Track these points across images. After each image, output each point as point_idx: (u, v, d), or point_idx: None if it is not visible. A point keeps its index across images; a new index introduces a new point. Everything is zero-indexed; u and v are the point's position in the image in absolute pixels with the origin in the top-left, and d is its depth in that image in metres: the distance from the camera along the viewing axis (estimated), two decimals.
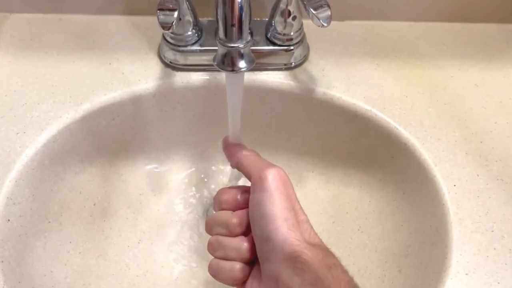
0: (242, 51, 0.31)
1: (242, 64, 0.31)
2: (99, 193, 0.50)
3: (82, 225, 0.48)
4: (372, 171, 0.50)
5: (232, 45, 0.30)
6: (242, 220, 0.34)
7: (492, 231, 0.40)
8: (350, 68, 0.50)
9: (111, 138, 0.50)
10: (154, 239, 0.50)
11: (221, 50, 0.31)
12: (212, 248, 0.35)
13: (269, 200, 0.31)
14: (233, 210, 0.35)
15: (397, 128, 0.46)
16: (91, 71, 0.48)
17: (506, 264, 0.38)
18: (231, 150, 0.39)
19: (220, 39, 0.31)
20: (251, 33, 0.48)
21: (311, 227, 0.32)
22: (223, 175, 0.55)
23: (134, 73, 0.48)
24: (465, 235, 0.40)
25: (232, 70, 0.31)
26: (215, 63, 0.32)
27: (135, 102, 0.48)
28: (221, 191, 0.36)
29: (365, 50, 0.51)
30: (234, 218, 0.34)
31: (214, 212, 0.37)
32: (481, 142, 0.45)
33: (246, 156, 0.35)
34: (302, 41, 0.49)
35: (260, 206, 0.31)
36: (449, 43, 0.52)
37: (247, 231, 0.34)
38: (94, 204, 0.49)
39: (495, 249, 0.39)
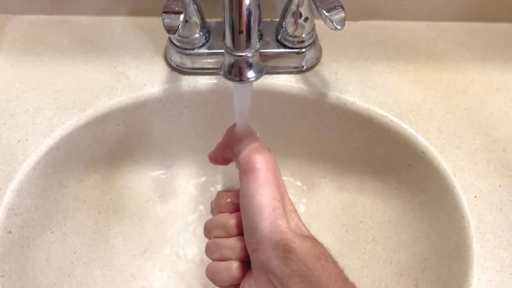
0: (250, 60, 0.29)
1: (250, 74, 0.29)
2: (104, 201, 0.49)
3: (87, 234, 0.46)
4: (387, 179, 0.48)
5: (240, 54, 0.28)
6: (240, 222, 0.33)
7: None
8: (365, 71, 0.48)
9: (116, 144, 0.48)
10: (161, 248, 0.49)
11: (228, 59, 0.29)
12: (209, 250, 0.35)
13: (257, 192, 0.31)
14: (231, 213, 0.35)
15: (414, 135, 0.44)
16: (95, 75, 0.47)
17: None
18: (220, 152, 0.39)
19: (227, 47, 0.29)
20: (261, 35, 0.46)
21: (299, 217, 0.32)
22: (231, 181, 0.53)
23: (139, 77, 0.47)
24: (487, 250, 0.38)
25: (240, 81, 0.29)
26: (222, 73, 0.30)
27: (141, 107, 0.46)
28: (219, 195, 0.36)
29: (380, 52, 0.49)
30: (232, 220, 0.34)
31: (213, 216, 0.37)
32: (503, 150, 0.43)
33: (237, 139, 0.35)
34: (314, 43, 0.46)
35: (248, 198, 0.31)
36: (469, 44, 0.50)
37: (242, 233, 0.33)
38: (99, 213, 0.48)
39: None
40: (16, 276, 0.39)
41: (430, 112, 0.45)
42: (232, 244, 0.33)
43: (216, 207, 0.36)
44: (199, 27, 0.45)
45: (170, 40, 0.46)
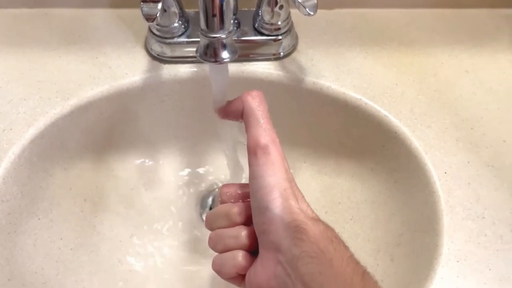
0: (224, 41, 0.30)
1: (225, 54, 0.31)
2: (89, 189, 0.50)
3: (73, 221, 0.48)
4: (363, 160, 0.49)
5: (214, 35, 0.30)
6: (242, 210, 0.33)
7: (483, 217, 0.40)
8: (340, 57, 0.49)
9: (100, 133, 0.49)
10: (147, 233, 0.50)
11: (203, 41, 0.30)
12: (212, 242, 0.34)
13: (267, 173, 0.30)
14: (233, 202, 0.34)
15: (387, 117, 0.45)
16: (77, 66, 0.48)
17: (497, 250, 0.38)
18: (230, 110, 0.35)
19: (201, 29, 0.30)
20: (239, 24, 0.48)
21: (308, 203, 0.31)
22: (215, 168, 0.55)
23: (121, 67, 0.48)
24: (456, 222, 0.39)
25: (215, 61, 0.31)
26: (198, 55, 0.31)
27: (123, 96, 0.47)
28: (223, 186, 0.36)
29: (354, 39, 0.51)
30: (235, 208, 0.33)
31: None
32: (471, 128, 0.45)
33: (247, 114, 0.33)
34: (290, 30, 0.48)
35: (258, 179, 0.30)
36: (440, 30, 0.52)
37: (247, 222, 0.33)
38: (85, 200, 0.49)
39: (486, 235, 0.39)
40: (4, 260, 0.40)
41: (402, 95, 0.47)
42: (236, 233, 0.33)
43: (219, 197, 0.35)
44: (178, 16, 0.46)
45: (150, 30, 0.47)
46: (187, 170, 0.54)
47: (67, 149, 0.48)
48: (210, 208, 0.52)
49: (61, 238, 0.46)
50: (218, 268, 0.33)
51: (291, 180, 0.31)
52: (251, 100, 0.33)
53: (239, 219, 0.33)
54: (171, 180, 0.53)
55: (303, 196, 0.31)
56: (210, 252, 0.50)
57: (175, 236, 0.50)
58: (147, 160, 0.53)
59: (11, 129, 0.43)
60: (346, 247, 0.29)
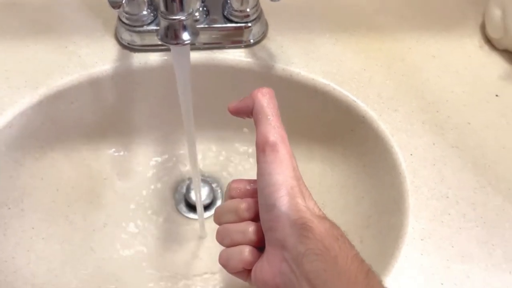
0: (184, 23, 0.30)
1: (185, 36, 0.31)
2: (61, 179, 0.50)
3: (45, 211, 0.47)
4: (334, 145, 0.50)
5: (174, 17, 0.30)
6: (251, 206, 0.33)
7: (447, 197, 0.41)
8: (309, 43, 0.50)
9: (71, 122, 0.49)
10: (120, 222, 0.50)
11: (163, 23, 0.31)
12: (220, 236, 0.34)
13: (275, 171, 0.30)
14: (242, 198, 0.35)
15: (355, 101, 0.46)
16: (46, 55, 0.48)
17: (460, 228, 0.39)
18: (240, 107, 0.35)
19: (161, 12, 0.30)
20: (208, 11, 0.48)
21: (315, 202, 0.32)
22: (188, 158, 0.55)
23: (90, 56, 0.48)
24: (421, 202, 0.40)
25: (177, 43, 0.31)
26: (159, 37, 0.31)
27: (93, 85, 0.47)
28: (232, 181, 0.36)
29: (323, 25, 0.51)
30: (243, 204, 0.33)
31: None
32: (437, 111, 0.46)
33: (257, 111, 0.33)
34: (259, 17, 0.48)
35: (266, 176, 0.31)
36: (407, 16, 0.53)
37: (255, 218, 0.33)
38: (57, 190, 0.49)
39: (449, 214, 0.40)
40: None
41: (370, 80, 0.47)
42: (243, 228, 0.33)
43: (227, 192, 0.36)
44: (146, 4, 0.46)
45: (119, 18, 0.47)
46: (160, 159, 0.54)
47: (38, 138, 0.47)
48: (184, 197, 0.53)
49: (33, 228, 0.46)
50: (224, 262, 0.34)
51: (298, 178, 0.31)
52: (261, 97, 0.33)
53: (247, 215, 0.33)
54: (144, 169, 0.54)
55: (310, 194, 0.32)
56: (185, 241, 0.51)
57: (149, 225, 0.51)
58: (119, 150, 0.53)
59: None
60: (352, 246, 0.29)
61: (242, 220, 0.33)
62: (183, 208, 0.52)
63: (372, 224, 0.44)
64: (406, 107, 0.46)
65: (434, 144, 0.43)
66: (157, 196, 0.53)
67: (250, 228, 0.33)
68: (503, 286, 0.37)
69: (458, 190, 0.41)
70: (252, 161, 0.54)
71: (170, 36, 0.31)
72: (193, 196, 0.51)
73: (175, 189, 0.53)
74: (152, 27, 0.47)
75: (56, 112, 0.47)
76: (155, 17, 0.47)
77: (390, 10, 0.53)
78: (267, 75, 0.49)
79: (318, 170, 0.51)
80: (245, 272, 0.33)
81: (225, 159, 0.55)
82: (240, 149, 0.55)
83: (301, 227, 0.29)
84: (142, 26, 0.47)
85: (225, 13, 0.48)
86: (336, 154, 0.50)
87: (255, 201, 0.33)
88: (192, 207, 0.52)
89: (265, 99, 0.33)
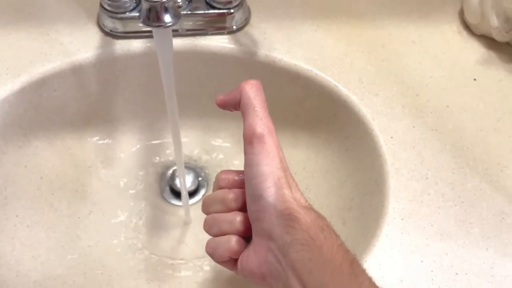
0: (166, 5, 0.31)
1: (167, 18, 0.31)
2: (45, 167, 0.50)
3: (29, 198, 0.47)
4: (317, 131, 0.51)
5: None
6: (238, 196, 0.34)
7: (427, 178, 0.42)
8: (291, 30, 0.50)
9: (54, 110, 0.49)
10: (105, 210, 0.50)
11: (145, 5, 0.31)
12: (207, 225, 0.35)
13: (263, 162, 0.31)
14: (230, 189, 0.35)
15: (337, 86, 0.47)
16: (28, 43, 0.47)
17: (439, 208, 0.40)
18: (228, 100, 0.36)
19: None
20: None
21: (301, 192, 0.32)
22: (172, 146, 0.55)
23: (73, 43, 0.48)
24: (401, 183, 0.41)
25: (159, 26, 0.31)
26: (141, 20, 0.32)
27: (76, 72, 0.47)
28: (220, 172, 0.36)
29: (305, 12, 0.52)
30: (231, 194, 0.34)
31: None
32: (417, 95, 0.46)
33: (244, 103, 0.33)
34: (242, 4, 0.49)
35: (253, 167, 0.31)
36: (388, 3, 0.53)
37: (242, 209, 0.34)
38: (41, 178, 0.49)
39: (429, 194, 0.41)
40: None
41: (352, 65, 0.48)
42: (231, 218, 0.33)
43: (216, 182, 0.36)
44: None
45: (101, 5, 0.47)
46: (144, 147, 0.54)
47: (21, 126, 0.47)
48: (169, 185, 0.53)
49: (17, 216, 0.46)
50: (211, 251, 0.34)
51: (285, 169, 0.32)
52: (249, 89, 0.33)
53: (234, 205, 0.34)
54: (129, 157, 0.54)
55: (297, 185, 0.32)
56: (171, 227, 0.51)
57: (134, 212, 0.51)
58: (104, 138, 0.53)
59: None
60: (337, 236, 0.30)
61: (230, 210, 0.34)
62: (168, 195, 0.53)
63: (354, 206, 0.45)
64: (387, 91, 0.47)
65: (414, 127, 0.44)
66: (142, 184, 0.53)
67: (237, 218, 0.33)
68: (480, 263, 0.38)
69: (437, 171, 0.42)
70: (237, 149, 0.54)
71: (152, 18, 0.31)
72: (178, 183, 0.52)
73: (160, 176, 0.54)
74: (135, 13, 0.47)
75: (39, 99, 0.47)
76: (138, 3, 0.48)
77: None
78: (250, 61, 0.49)
79: (302, 156, 0.51)
80: (232, 261, 0.34)
81: (210, 147, 0.55)
82: (224, 136, 0.56)
83: (288, 218, 0.29)
84: (124, 13, 0.47)
85: None
86: (319, 140, 0.50)
87: (243, 192, 0.34)
88: (177, 194, 0.52)
89: (253, 91, 0.33)
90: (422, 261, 0.38)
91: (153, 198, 0.52)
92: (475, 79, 0.48)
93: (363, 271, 0.28)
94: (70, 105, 0.50)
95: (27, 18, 0.49)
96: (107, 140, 0.53)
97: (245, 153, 0.32)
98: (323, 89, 0.48)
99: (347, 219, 0.45)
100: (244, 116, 0.33)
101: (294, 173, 0.51)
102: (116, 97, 0.52)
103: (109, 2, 0.46)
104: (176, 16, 0.31)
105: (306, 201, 0.32)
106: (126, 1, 0.46)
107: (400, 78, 0.47)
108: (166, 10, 0.31)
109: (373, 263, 0.37)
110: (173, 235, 0.51)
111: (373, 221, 0.41)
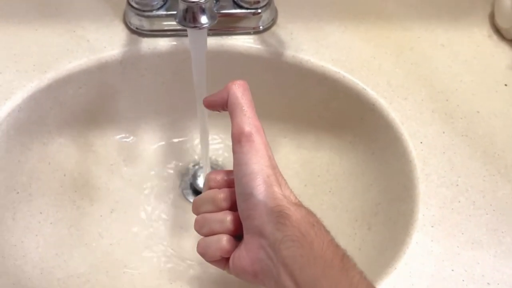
0: (203, 6, 0.30)
1: (204, 19, 0.31)
2: (69, 164, 0.49)
3: (53, 195, 0.47)
4: (342, 133, 0.50)
5: (193, 0, 0.30)
6: (228, 196, 0.34)
7: (457, 185, 0.41)
8: (318, 31, 0.50)
9: (79, 107, 0.49)
10: (127, 208, 0.50)
11: (182, 5, 0.30)
12: (198, 225, 0.35)
13: (252, 160, 0.31)
14: (220, 188, 0.35)
15: (365, 89, 0.46)
16: (55, 39, 0.47)
17: (469, 215, 0.39)
18: (215, 100, 0.36)
19: None
20: None
21: (291, 189, 0.32)
22: (196, 144, 0.55)
23: (99, 40, 0.47)
24: (431, 189, 0.41)
25: (195, 27, 0.31)
26: (177, 20, 0.31)
27: (102, 69, 0.47)
28: (210, 172, 0.37)
29: (333, 13, 0.51)
30: (221, 194, 0.34)
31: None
32: (446, 100, 0.46)
33: (231, 103, 0.34)
34: (269, 4, 0.48)
35: (243, 166, 0.31)
36: (416, 4, 0.53)
37: (233, 208, 0.34)
38: (65, 175, 0.49)
39: (459, 202, 0.40)
40: None
41: (380, 68, 0.47)
42: (221, 217, 0.34)
43: (206, 183, 0.36)
44: None
45: (128, 2, 0.47)
46: (167, 146, 0.54)
47: (46, 123, 0.47)
48: (190, 185, 0.53)
49: (41, 212, 0.46)
50: (202, 251, 0.35)
51: (274, 167, 0.32)
52: (236, 89, 0.33)
53: (224, 204, 0.34)
54: (151, 155, 0.53)
55: (286, 183, 0.32)
56: (192, 227, 0.51)
57: (156, 211, 0.51)
58: (127, 136, 0.53)
59: None
60: (327, 231, 0.30)
61: (220, 209, 0.34)
62: (189, 194, 0.52)
63: (381, 211, 0.44)
64: (416, 95, 0.46)
65: (443, 132, 0.44)
66: (164, 182, 0.52)
67: (228, 217, 0.33)
68: None
69: (468, 178, 0.41)
70: None
71: (189, 19, 0.31)
72: (200, 182, 0.51)
73: (182, 175, 0.53)
74: (162, 12, 0.47)
75: (65, 96, 0.47)
76: (165, 1, 0.47)
77: None
78: (276, 62, 0.49)
79: (326, 158, 0.51)
80: (223, 260, 0.34)
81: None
82: None
83: (278, 215, 0.29)
84: (151, 11, 0.47)
85: None
86: (344, 142, 0.50)
87: (232, 191, 0.34)
88: (198, 193, 0.52)
89: (240, 91, 0.33)
90: (453, 270, 0.37)
91: (175, 197, 0.52)
92: (506, 85, 0.47)
93: (354, 266, 0.28)
94: (94, 103, 0.50)
95: (53, 14, 0.49)
96: (130, 138, 0.53)
97: (234, 152, 0.32)
98: (351, 92, 0.47)
99: (373, 224, 0.45)
100: (231, 115, 0.33)
101: (317, 176, 0.51)
102: (140, 95, 0.51)
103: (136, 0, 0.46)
104: (213, 17, 0.31)
105: (296, 198, 0.32)
106: None
107: (429, 82, 0.47)
108: (203, 11, 0.30)
109: (403, 271, 0.37)
110: (195, 234, 0.50)
111: (402, 228, 0.40)
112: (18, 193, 0.44)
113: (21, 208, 0.44)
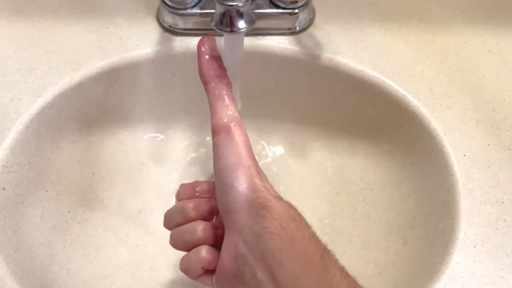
0: (241, 10, 0.29)
1: (241, 24, 0.29)
2: (97, 163, 0.49)
3: (81, 194, 0.47)
4: (378, 141, 0.48)
5: (231, 3, 0.28)
6: (198, 205, 0.34)
7: (503, 202, 0.39)
8: (358, 33, 0.48)
9: (109, 105, 0.48)
10: (155, 209, 0.49)
11: (219, 9, 0.29)
12: (172, 239, 0.35)
13: (231, 152, 0.31)
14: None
15: (406, 96, 0.44)
16: (87, 36, 0.47)
17: None
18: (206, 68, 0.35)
19: None
20: None
21: (271, 184, 0.32)
22: None
23: (132, 38, 0.46)
24: (474, 206, 0.38)
25: (231, 31, 0.29)
26: (213, 24, 0.30)
27: (133, 68, 0.46)
28: (181, 185, 0.37)
29: (373, 14, 0.49)
30: (190, 203, 0.34)
31: None
32: (493, 110, 0.43)
33: (212, 89, 0.34)
34: (307, 4, 0.46)
35: (222, 159, 0.31)
36: (463, 7, 0.50)
37: (205, 218, 0.34)
38: (93, 174, 0.48)
39: (505, 221, 0.38)
40: (11, 231, 0.39)
41: (422, 73, 0.45)
42: (192, 227, 0.33)
43: (176, 197, 0.36)
44: None
45: (162, 0, 0.46)
46: (196, 146, 0.53)
47: (76, 121, 0.47)
48: None
49: (69, 211, 0.45)
50: (185, 267, 0.34)
51: (253, 159, 0.31)
52: (217, 82, 0.33)
53: (193, 213, 0.34)
54: (180, 156, 0.52)
55: (265, 176, 0.32)
56: None
57: None
58: (156, 135, 0.52)
59: (19, 98, 0.42)
60: (308, 226, 0.29)
61: (190, 219, 0.34)
62: None
63: (418, 225, 0.42)
64: (460, 104, 0.43)
65: (489, 145, 0.41)
66: None
67: (199, 227, 0.33)
68: None
69: None
70: (289, 153, 0.52)
71: (225, 23, 0.29)
72: None
73: (210, 175, 0.52)
74: (196, 10, 0.46)
75: (95, 94, 0.46)
76: (199, 0, 0.46)
77: (444, 0, 0.50)
78: (312, 65, 0.47)
79: (360, 165, 0.49)
80: (208, 274, 0.33)
81: (261, 149, 0.54)
82: (276, 139, 0.54)
83: (259, 207, 0.29)
84: (185, 9, 0.45)
85: None
86: (380, 151, 0.48)
87: (202, 201, 0.34)
88: None
89: (222, 84, 0.33)
90: None
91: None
92: None
93: (335, 262, 0.27)
94: (124, 101, 0.49)
95: (87, 10, 0.48)
96: (159, 137, 0.52)
97: (214, 145, 0.32)
98: (390, 98, 0.45)
99: (408, 238, 0.43)
100: (211, 107, 0.33)
101: (351, 183, 0.49)
102: (170, 94, 0.50)
103: None
104: (251, 22, 0.30)
105: (276, 192, 0.31)
106: None
107: (475, 90, 0.44)
108: (241, 15, 0.29)
109: None
110: None
111: (441, 245, 0.38)
112: (47, 191, 0.44)
113: (50, 206, 0.44)
